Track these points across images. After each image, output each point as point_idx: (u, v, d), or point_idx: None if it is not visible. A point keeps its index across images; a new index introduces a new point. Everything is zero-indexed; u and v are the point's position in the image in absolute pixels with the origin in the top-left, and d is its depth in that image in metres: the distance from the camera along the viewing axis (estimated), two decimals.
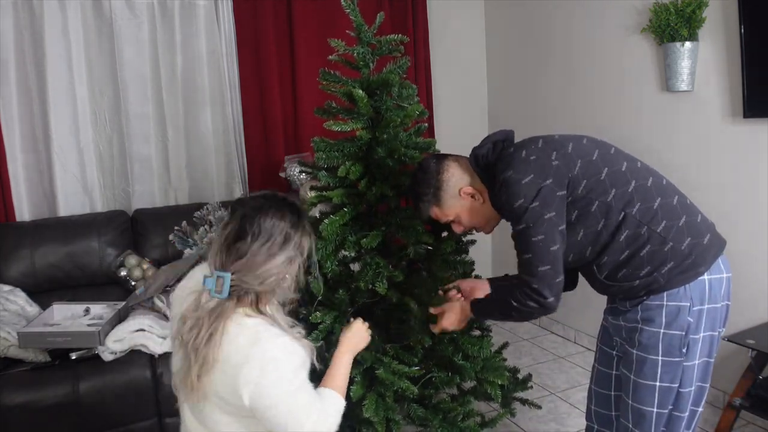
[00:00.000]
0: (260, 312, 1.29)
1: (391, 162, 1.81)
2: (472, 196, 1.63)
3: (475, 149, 1.64)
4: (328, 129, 1.81)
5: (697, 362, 1.54)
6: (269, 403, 1.22)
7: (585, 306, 3.44)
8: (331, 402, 1.35)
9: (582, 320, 3.46)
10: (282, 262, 1.26)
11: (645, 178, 1.53)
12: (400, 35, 1.83)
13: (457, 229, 1.71)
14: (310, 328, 1.77)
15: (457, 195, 1.63)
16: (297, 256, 1.30)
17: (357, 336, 1.54)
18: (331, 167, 1.84)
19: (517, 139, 1.67)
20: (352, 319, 1.59)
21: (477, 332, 2.01)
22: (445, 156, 1.68)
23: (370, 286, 1.75)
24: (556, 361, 3.33)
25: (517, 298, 1.52)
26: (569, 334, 3.59)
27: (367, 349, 1.60)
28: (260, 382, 1.21)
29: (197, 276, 1.33)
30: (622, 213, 1.48)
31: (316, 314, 1.76)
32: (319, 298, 1.78)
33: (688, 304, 1.49)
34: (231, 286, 1.23)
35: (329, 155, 1.81)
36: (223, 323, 1.23)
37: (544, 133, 1.65)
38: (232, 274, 1.23)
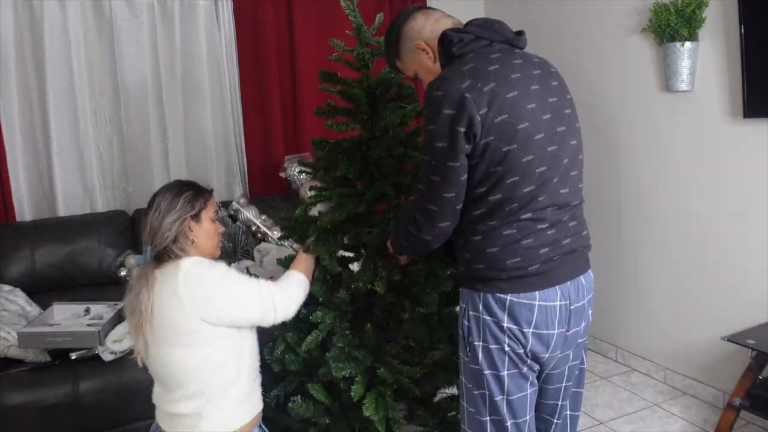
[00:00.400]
0: None
1: (391, 161, 1.82)
2: (425, 51, 1.52)
3: (449, 35, 1.46)
4: (328, 129, 1.82)
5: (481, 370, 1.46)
6: (219, 304, 1.50)
7: None
8: (291, 278, 1.70)
9: None
10: (173, 221, 1.54)
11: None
12: None
13: (420, 84, 1.61)
14: (309, 328, 1.77)
15: (414, 49, 1.53)
16: (186, 215, 1.55)
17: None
18: (331, 166, 1.85)
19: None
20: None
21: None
22: (421, 8, 1.57)
23: (369, 286, 1.75)
24: None
25: (406, 220, 1.53)
26: None
27: (366, 348, 1.60)
28: (206, 293, 1.49)
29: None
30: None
31: (316, 314, 1.76)
32: (320, 300, 1.79)
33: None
34: (153, 252, 1.55)
35: (329, 155, 1.82)
36: (146, 279, 1.51)
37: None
38: (152, 245, 1.54)
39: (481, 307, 1.44)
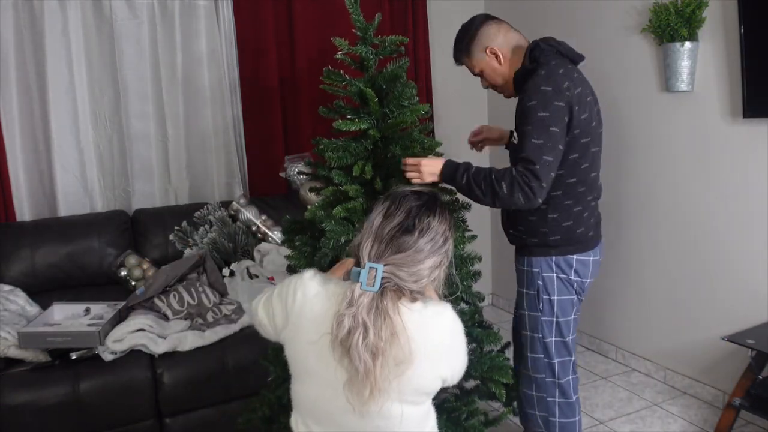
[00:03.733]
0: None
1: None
2: (496, 56, 1.90)
3: (541, 45, 1.84)
4: (329, 129, 1.81)
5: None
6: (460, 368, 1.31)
7: (585, 306, 3.44)
8: None
9: (582, 320, 3.45)
10: (433, 264, 1.24)
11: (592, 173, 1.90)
12: (400, 36, 1.84)
13: (483, 83, 2.02)
14: None
15: (484, 51, 1.90)
16: (445, 260, 1.27)
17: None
18: (344, 166, 1.82)
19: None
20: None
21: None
22: (492, 18, 1.93)
23: None
24: None
25: (508, 179, 1.70)
26: None
27: None
28: (461, 358, 1.30)
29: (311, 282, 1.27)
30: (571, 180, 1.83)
31: None
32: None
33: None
34: (382, 278, 1.18)
35: (340, 156, 1.79)
36: (395, 316, 1.18)
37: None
38: (385, 266, 1.19)
39: (554, 267, 1.88)
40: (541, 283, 1.89)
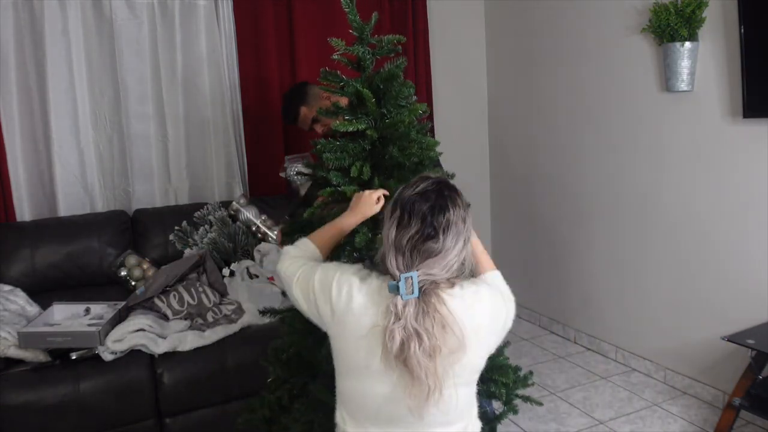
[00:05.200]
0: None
1: (407, 161, 1.78)
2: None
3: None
4: (335, 129, 1.80)
5: None
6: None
7: (585, 306, 3.44)
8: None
9: (582, 320, 3.46)
10: (462, 246, 1.26)
11: None
12: (398, 36, 1.84)
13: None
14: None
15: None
16: (468, 236, 1.29)
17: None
18: (341, 168, 1.83)
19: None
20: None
21: None
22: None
23: None
24: (556, 361, 3.33)
25: None
26: (569, 334, 3.59)
27: None
28: (502, 325, 1.33)
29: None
30: None
31: None
32: None
33: None
34: (418, 282, 1.21)
35: (338, 156, 1.80)
36: (441, 307, 1.21)
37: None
38: (418, 271, 1.21)
39: None
40: None
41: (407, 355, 1.17)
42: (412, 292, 1.19)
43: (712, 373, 2.78)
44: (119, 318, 2.49)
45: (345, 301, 1.27)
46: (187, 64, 3.32)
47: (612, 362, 3.27)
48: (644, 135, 2.98)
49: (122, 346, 2.36)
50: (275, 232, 3.13)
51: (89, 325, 2.42)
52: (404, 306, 1.19)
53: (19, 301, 2.65)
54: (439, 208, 1.24)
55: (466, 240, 1.27)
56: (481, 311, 1.28)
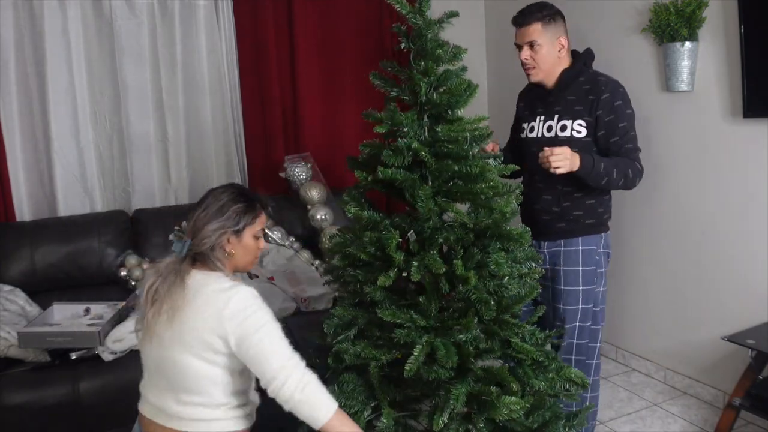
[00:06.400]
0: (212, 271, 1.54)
1: (463, 177, 1.69)
2: (561, 48, 2.19)
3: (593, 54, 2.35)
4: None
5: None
6: (255, 339, 1.43)
7: None
8: (323, 393, 1.48)
9: None
10: (214, 229, 1.51)
11: None
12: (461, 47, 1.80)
13: (525, 54, 2.21)
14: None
15: (556, 36, 2.18)
16: (229, 228, 1.51)
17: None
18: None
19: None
20: None
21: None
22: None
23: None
24: None
25: (635, 166, 2.11)
26: None
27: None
28: (247, 318, 1.44)
29: None
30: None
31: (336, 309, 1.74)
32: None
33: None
34: (188, 249, 1.53)
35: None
36: (179, 276, 1.50)
37: None
38: (191, 242, 1.53)
39: (603, 244, 2.22)
40: (597, 258, 2.19)
41: (152, 292, 1.57)
42: (181, 252, 1.59)
43: (712, 373, 2.78)
44: (119, 318, 2.49)
45: None
46: (187, 64, 3.32)
47: (612, 362, 3.27)
48: (644, 135, 2.96)
49: (122, 346, 2.36)
50: (275, 232, 3.13)
51: (89, 325, 2.42)
52: (176, 263, 1.59)
53: (19, 301, 2.65)
54: (212, 191, 1.60)
55: (221, 230, 1.53)
56: (212, 290, 1.50)
